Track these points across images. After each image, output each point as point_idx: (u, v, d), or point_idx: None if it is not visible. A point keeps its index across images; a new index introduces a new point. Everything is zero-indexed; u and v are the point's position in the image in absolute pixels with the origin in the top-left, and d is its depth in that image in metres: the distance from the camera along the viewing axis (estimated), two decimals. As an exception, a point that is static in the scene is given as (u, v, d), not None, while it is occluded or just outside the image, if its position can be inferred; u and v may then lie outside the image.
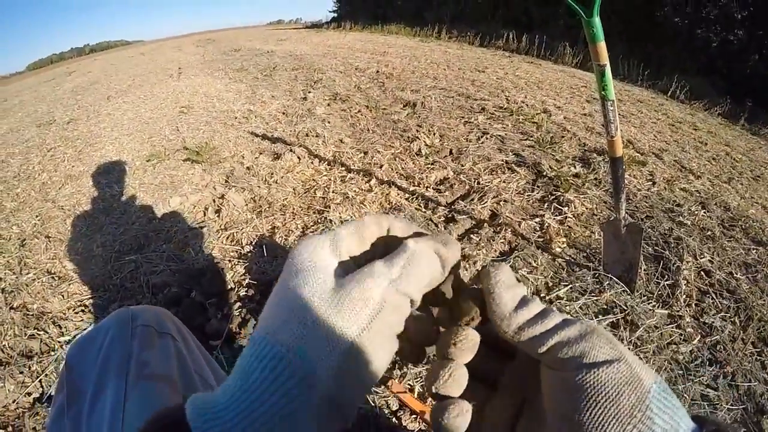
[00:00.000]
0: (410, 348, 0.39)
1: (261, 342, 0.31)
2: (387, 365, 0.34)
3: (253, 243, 2.30)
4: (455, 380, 0.35)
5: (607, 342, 0.32)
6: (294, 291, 0.32)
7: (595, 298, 1.79)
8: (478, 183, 2.70)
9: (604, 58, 1.44)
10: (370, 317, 0.32)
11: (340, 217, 2.41)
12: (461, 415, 0.34)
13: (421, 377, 1.47)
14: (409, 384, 1.45)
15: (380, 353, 0.33)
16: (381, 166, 3.02)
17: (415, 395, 1.41)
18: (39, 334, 1.80)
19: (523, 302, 0.35)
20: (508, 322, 0.34)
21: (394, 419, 1.35)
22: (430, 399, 1.40)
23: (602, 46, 1.42)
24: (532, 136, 3.48)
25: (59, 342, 1.76)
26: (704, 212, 2.51)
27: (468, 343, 0.36)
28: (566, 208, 2.40)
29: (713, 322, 1.73)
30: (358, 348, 0.31)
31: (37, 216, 2.82)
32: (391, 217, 0.39)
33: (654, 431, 0.28)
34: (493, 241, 2.15)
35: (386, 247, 0.38)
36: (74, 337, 1.78)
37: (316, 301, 0.31)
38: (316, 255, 0.34)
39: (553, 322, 0.34)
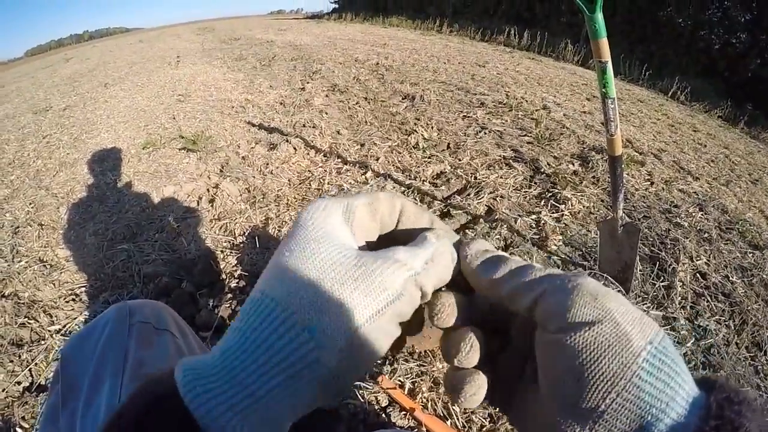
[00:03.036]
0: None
1: (267, 308, 0.30)
2: (386, 350, 0.33)
3: (246, 234, 2.28)
4: (474, 349, 0.34)
5: (592, 299, 0.29)
6: (306, 259, 0.31)
7: (590, 297, 1.77)
8: (475, 178, 2.68)
9: (606, 54, 1.42)
10: (387, 303, 0.31)
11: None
12: (477, 393, 0.34)
13: (411, 373, 1.46)
14: (399, 380, 1.43)
15: (386, 339, 0.32)
16: (377, 159, 3.00)
17: (405, 392, 1.40)
18: (30, 323, 1.78)
19: (496, 263, 0.35)
20: (483, 283, 0.34)
21: (383, 415, 1.34)
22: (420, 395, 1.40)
23: (604, 42, 1.40)
24: (530, 133, 3.46)
25: (50, 331, 1.75)
26: (701, 214, 2.50)
27: (446, 308, 0.36)
28: (563, 206, 2.38)
29: (708, 325, 1.72)
30: (368, 332, 0.30)
31: (30, 203, 2.80)
32: (404, 198, 0.39)
33: (642, 398, 0.26)
34: (489, 236, 2.14)
35: (400, 232, 0.38)
36: (65, 326, 1.77)
37: (332, 275, 0.30)
38: (329, 223, 0.33)
39: (530, 277, 0.32)
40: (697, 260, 2.09)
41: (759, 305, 1.87)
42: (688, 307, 1.81)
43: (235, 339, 0.30)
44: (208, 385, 0.27)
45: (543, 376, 0.31)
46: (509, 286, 0.33)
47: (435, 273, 0.34)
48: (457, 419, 1.32)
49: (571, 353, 0.28)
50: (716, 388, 0.28)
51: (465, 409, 0.29)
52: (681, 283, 1.92)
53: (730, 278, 2.01)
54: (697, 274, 2.01)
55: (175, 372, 0.28)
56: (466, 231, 2.18)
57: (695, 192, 2.79)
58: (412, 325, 0.40)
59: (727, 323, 1.76)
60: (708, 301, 1.85)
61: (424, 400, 1.38)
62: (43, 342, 1.69)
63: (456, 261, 0.36)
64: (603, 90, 1.48)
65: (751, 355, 1.64)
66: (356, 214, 0.35)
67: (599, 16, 1.36)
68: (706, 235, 2.31)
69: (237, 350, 0.29)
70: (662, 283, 1.91)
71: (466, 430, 1.31)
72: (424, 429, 1.27)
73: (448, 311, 0.35)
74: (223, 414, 0.26)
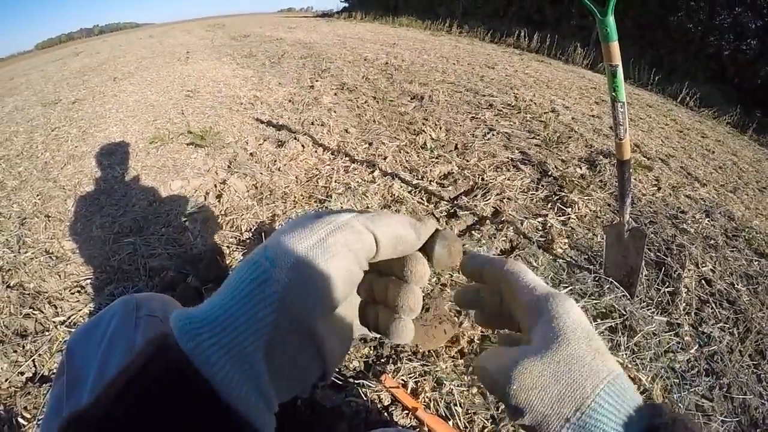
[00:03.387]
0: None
1: (245, 259, 0.35)
2: (343, 288, 0.35)
3: (253, 230, 2.28)
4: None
5: (518, 393, 0.35)
6: (282, 229, 0.37)
7: (595, 301, 1.77)
8: (483, 179, 2.67)
9: (617, 58, 1.42)
10: (332, 230, 0.35)
11: (341, 207, 2.39)
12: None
13: (414, 373, 1.46)
14: (402, 379, 1.43)
15: (336, 264, 0.34)
16: (385, 158, 3.00)
17: (408, 391, 1.40)
18: (34, 314, 1.79)
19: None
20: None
21: (385, 414, 1.34)
22: (422, 395, 1.39)
23: (615, 46, 1.40)
24: (538, 135, 3.46)
25: (54, 322, 1.76)
26: (708, 221, 2.49)
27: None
28: (570, 209, 2.38)
29: (712, 332, 1.71)
30: (315, 251, 0.34)
31: (38, 195, 2.82)
32: None
33: None
34: (495, 238, 2.14)
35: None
36: (69, 318, 1.78)
37: (290, 224, 0.37)
38: (303, 217, 0.38)
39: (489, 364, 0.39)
40: (702, 267, 2.08)
41: (764, 313, 1.86)
42: (692, 314, 1.80)
43: (221, 287, 0.35)
44: (190, 314, 0.32)
45: None
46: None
47: (385, 221, 0.38)
48: (459, 419, 1.32)
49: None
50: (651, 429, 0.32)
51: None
52: (686, 289, 1.91)
53: (736, 286, 2.00)
54: (703, 281, 2.01)
55: (170, 318, 0.32)
56: (473, 232, 2.18)
57: (702, 198, 2.78)
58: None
59: (731, 331, 1.75)
60: (713, 308, 1.84)
61: (427, 400, 1.38)
62: (47, 333, 1.70)
63: (420, 227, 0.40)
64: (613, 94, 1.48)
65: (755, 363, 1.63)
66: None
67: (611, 20, 1.35)
68: (712, 241, 2.30)
69: (218, 290, 0.34)
70: (667, 289, 1.90)
71: (467, 430, 1.31)
72: (425, 429, 1.27)
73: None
74: (196, 336, 0.30)
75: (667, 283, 1.94)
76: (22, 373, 1.55)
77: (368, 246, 0.37)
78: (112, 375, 0.30)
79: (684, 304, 1.83)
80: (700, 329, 1.73)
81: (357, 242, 0.36)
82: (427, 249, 0.41)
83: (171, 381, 0.29)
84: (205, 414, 0.28)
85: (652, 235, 2.27)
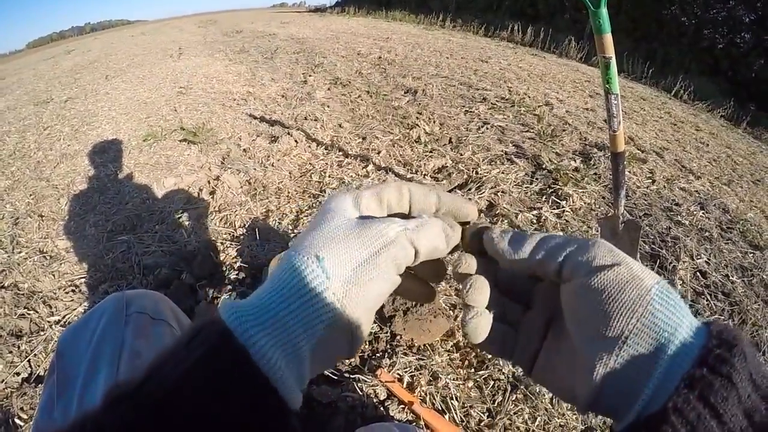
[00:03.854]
0: (418, 286, 0.48)
1: (289, 256, 0.37)
2: (385, 297, 0.40)
3: (247, 226, 2.28)
4: (477, 289, 0.42)
5: (610, 251, 0.37)
6: (319, 225, 0.39)
7: (590, 294, 1.76)
8: (477, 173, 2.67)
9: (610, 50, 1.41)
10: (382, 246, 0.38)
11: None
12: (476, 317, 0.42)
13: (410, 367, 1.46)
14: (397, 374, 1.43)
15: (383, 279, 0.38)
16: (379, 152, 3.00)
17: (404, 385, 1.40)
18: (29, 314, 1.78)
19: (521, 239, 0.42)
20: (513, 259, 0.41)
21: (381, 409, 1.34)
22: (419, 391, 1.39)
23: (608, 37, 1.39)
24: (532, 128, 3.46)
25: (49, 322, 1.75)
26: (703, 213, 2.50)
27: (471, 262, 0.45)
28: (564, 202, 2.38)
29: (707, 323, 1.71)
30: (369, 269, 0.37)
31: (31, 195, 2.80)
32: (411, 184, 0.46)
33: (656, 323, 0.32)
34: (489, 233, 2.13)
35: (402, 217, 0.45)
36: (64, 317, 1.77)
37: (339, 230, 0.39)
38: (340, 204, 0.41)
39: (555, 243, 0.40)
40: (697, 259, 2.09)
41: (758, 305, 1.86)
42: (687, 306, 1.80)
43: (266, 282, 0.37)
44: (244, 310, 0.34)
45: (572, 318, 0.38)
46: (539, 256, 0.40)
47: (426, 234, 0.41)
48: (455, 413, 1.32)
49: (598, 290, 0.34)
50: (713, 322, 0.34)
51: (471, 342, 0.36)
52: (681, 282, 1.92)
53: (730, 278, 2.01)
54: (698, 273, 2.01)
55: (219, 306, 0.35)
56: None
57: (697, 191, 2.79)
58: (431, 270, 0.48)
59: (726, 322, 1.75)
60: (708, 300, 1.85)
61: (423, 394, 1.38)
62: (42, 333, 1.69)
63: (451, 235, 0.44)
64: (606, 86, 1.47)
65: (751, 354, 1.64)
66: (362, 202, 0.42)
67: (604, 11, 1.35)
68: (706, 234, 2.30)
69: (266, 288, 0.36)
70: (662, 281, 1.90)
71: (464, 423, 1.31)
72: (422, 423, 1.27)
73: (469, 260, 0.45)
74: (255, 334, 0.32)
75: (662, 276, 1.93)
76: (17, 374, 1.54)
77: (410, 259, 0.40)
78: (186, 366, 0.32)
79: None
80: (695, 321, 1.73)
81: (403, 258, 0.39)
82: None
83: (235, 374, 0.31)
84: (263, 406, 0.32)
85: (647, 228, 2.27)
